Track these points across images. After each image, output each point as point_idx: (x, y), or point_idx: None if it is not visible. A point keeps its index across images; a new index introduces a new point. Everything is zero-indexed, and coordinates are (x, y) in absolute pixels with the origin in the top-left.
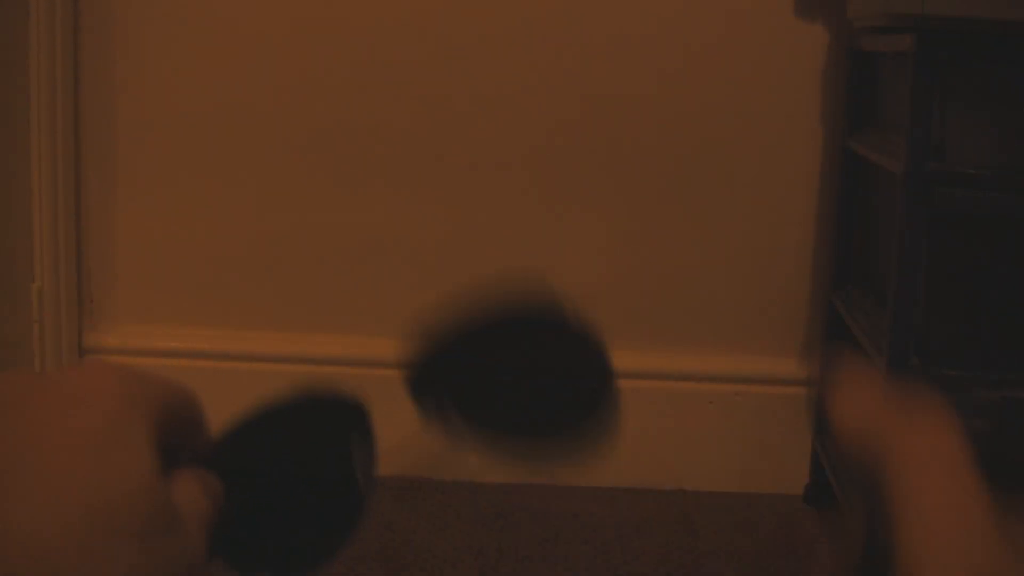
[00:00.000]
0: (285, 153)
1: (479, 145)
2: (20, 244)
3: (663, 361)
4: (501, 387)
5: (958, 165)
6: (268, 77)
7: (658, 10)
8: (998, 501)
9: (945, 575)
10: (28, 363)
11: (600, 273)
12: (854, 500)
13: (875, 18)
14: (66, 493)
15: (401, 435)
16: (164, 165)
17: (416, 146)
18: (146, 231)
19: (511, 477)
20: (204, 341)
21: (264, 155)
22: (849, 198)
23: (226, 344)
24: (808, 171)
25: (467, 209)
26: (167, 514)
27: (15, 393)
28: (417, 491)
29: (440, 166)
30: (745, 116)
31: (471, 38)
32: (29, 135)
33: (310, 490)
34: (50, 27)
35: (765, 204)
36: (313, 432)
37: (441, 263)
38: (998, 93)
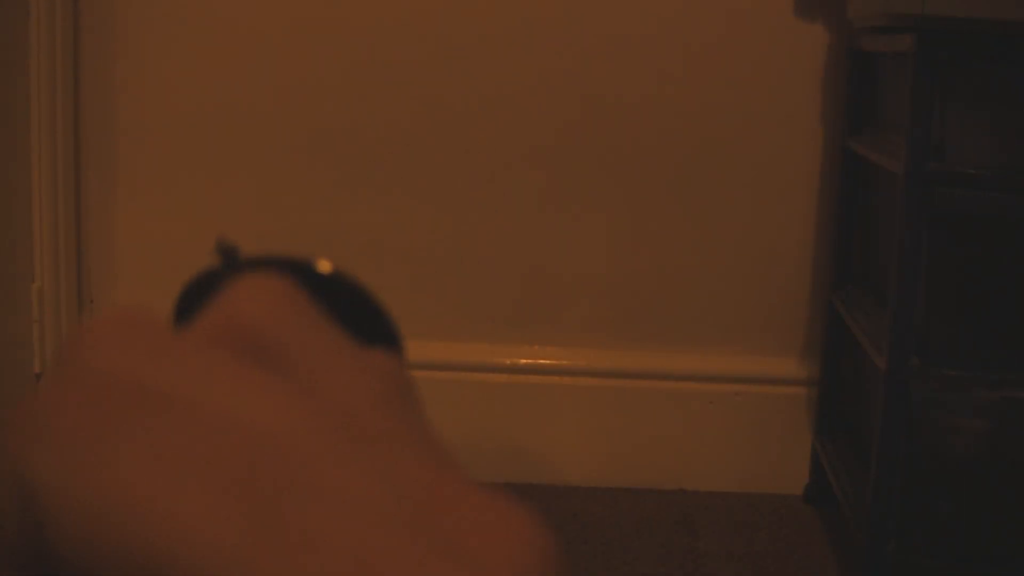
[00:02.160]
0: (285, 153)
1: (480, 145)
2: (20, 244)
3: (663, 361)
4: None
5: (958, 165)
6: (268, 77)
7: (658, 10)
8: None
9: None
10: (28, 363)
11: (600, 273)
12: None
13: (875, 18)
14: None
15: None
16: (164, 165)
17: (417, 146)
18: (146, 231)
19: (511, 477)
20: None
21: (264, 155)
22: (849, 198)
23: None
24: (808, 171)
25: (468, 209)
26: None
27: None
28: None
29: (441, 166)
30: (745, 116)
31: (473, 39)
32: (29, 135)
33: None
34: (50, 27)
35: (765, 204)
36: None
37: (442, 263)
38: (998, 93)
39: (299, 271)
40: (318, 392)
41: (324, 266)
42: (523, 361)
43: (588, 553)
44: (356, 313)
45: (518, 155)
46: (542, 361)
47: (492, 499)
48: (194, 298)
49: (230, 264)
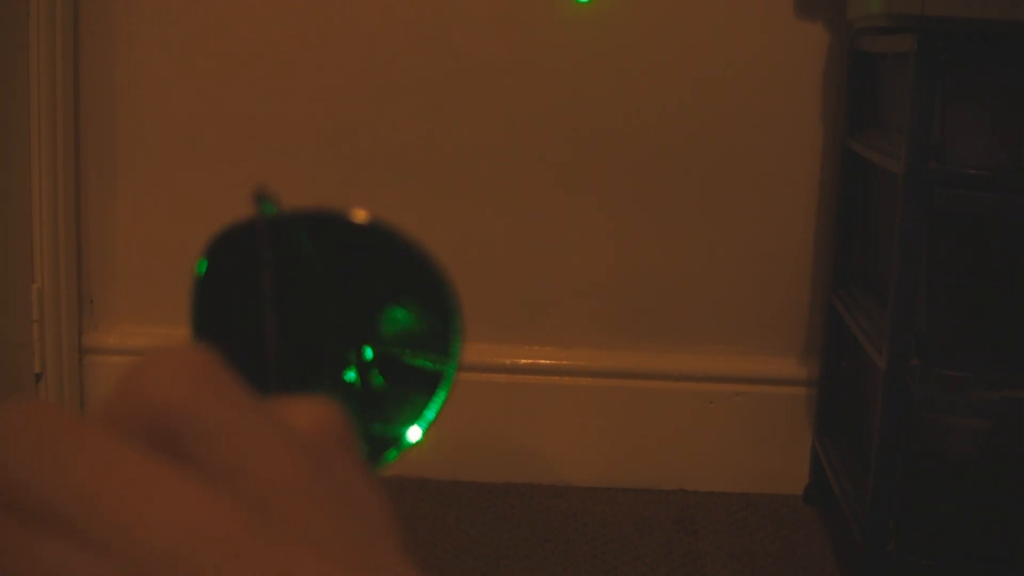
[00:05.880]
0: (285, 154)
1: (481, 146)
2: (20, 244)
3: (663, 361)
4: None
5: (958, 165)
6: (268, 78)
7: (659, 12)
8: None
9: None
10: (28, 363)
11: (600, 273)
12: None
13: (875, 18)
14: None
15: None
16: (164, 165)
17: (417, 147)
18: (146, 231)
19: (511, 477)
20: None
21: (264, 155)
22: (849, 198)
23: None
24: (808, 171)
25: (468, 209)
26: None
27: None
28: (417, 491)
29: (441, 167)
30: (746, 116)
31: (472, 39)
32: (29, 135)
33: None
34: (50, 28)
35: (766, 204)
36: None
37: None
38: (998, 93)
39: (335, 222)
40: (234, 482)
41: (360, 216)
42: (523, 361)
43: (588, 553)
44: (396, 260)
45: (518, 155)
46: (542, 361)
47: None
48: (227, 249)
49: (267, 214)
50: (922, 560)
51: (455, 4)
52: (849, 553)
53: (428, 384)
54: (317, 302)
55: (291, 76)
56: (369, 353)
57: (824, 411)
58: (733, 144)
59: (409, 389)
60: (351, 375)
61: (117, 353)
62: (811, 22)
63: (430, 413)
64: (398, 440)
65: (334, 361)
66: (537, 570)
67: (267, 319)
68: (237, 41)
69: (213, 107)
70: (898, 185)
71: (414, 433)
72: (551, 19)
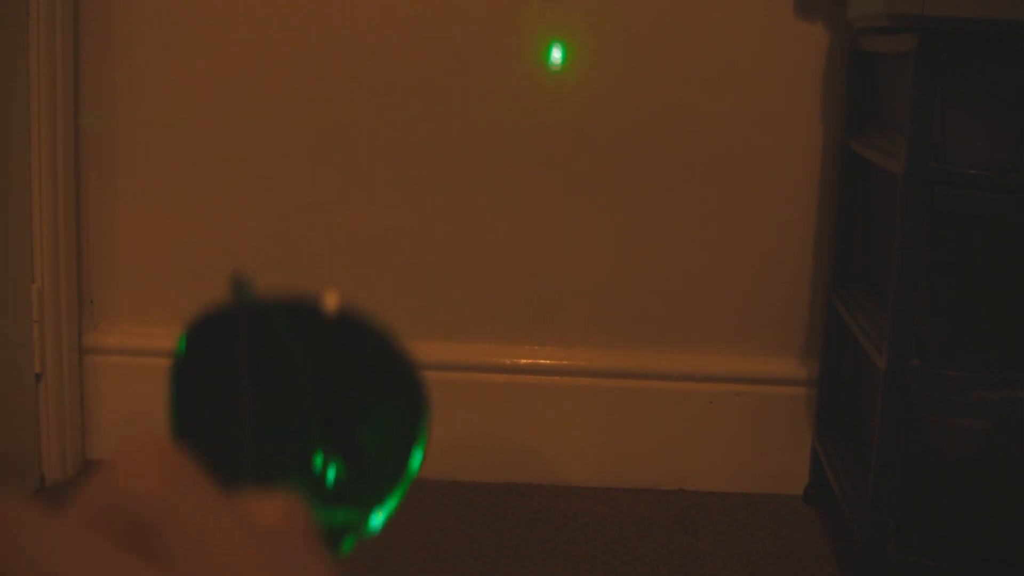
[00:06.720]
0: (285, 154)
1: (481, 146)
2: (20, 244)
3: (663, 361)
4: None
5: (958, 165)
6: (268, 78)
7: (659, 12)
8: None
9: None
10: (28, 363)
11: (600, 273)
12: None
13: (875, 18)
14: None
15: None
16: (164, 165)
17: (417, 147)
18: (146, 231)
19: (511, 477)
20: None
21: (264, 155)
22: (849, 198)
23: None
24: (808, 171)
25: (469, 210)
26: None
27: None
28: (417, 491)
29: (441, 167)
30: (746, 117)
31: (473, 41)
32: (29, 136)
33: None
34: (50, 29)
35: (766, 204)
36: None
37: (443, 263)
38: (998, 93)
39: (308, 311)
40: None
41: (332, 304)
42: (523, 361)
43: (588, 553)
44: (368, 351)
45: (518, 156)
46: (542, 361)
47: None
48: (203, 335)
49: (242, 301)
50: (922, 560)
51: (455, 4)
52: (849, 553)
53: (394, 471)
54: (291, 390)
55: (290, 77)
56: (336, 444)
57: (824, 411)
58: (733, 144)
59: (374, 477)
60: (319, 463)
61: (117, 353)
62: (811, 22)
63: (392, 502)
64: (359, 527)
65: (304, 449)
66: (537, 570)
67: (243, 406)
68: (237, 42)
69: (213, 107)
70: (898, 185)
71: (375, 521)
72: (551, 19)
